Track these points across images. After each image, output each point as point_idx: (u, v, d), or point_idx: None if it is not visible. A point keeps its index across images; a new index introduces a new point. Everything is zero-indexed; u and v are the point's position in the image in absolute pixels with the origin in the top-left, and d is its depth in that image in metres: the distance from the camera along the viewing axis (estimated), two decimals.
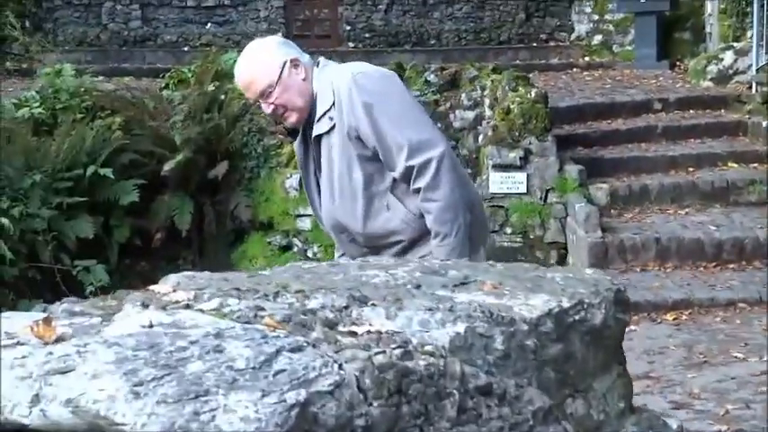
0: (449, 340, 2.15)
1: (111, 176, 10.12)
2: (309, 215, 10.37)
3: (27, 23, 16.45)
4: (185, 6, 17.54)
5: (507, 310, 2.37)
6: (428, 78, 12.96)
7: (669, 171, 10.76)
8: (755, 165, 10.78)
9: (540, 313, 2.41)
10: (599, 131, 11.93)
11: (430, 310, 2.25)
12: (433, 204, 3.71)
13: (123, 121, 10.68)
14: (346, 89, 3.66)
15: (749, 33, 13.83)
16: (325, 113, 3.70)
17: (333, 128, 3.70)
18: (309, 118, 3.76)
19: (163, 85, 11.96)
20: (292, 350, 1.94)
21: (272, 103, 3.69)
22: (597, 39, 16.80)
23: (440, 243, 3.74)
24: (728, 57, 13.53)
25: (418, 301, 2.39)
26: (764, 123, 11.42)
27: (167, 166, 10.26)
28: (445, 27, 17.17)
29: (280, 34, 17.89)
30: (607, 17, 16.78)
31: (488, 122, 10.83)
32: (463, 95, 11.45)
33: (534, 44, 17.13)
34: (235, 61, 11.99)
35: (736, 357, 6.35)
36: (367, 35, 17.20)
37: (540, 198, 10.23)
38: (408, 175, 3.70)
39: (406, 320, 2.21)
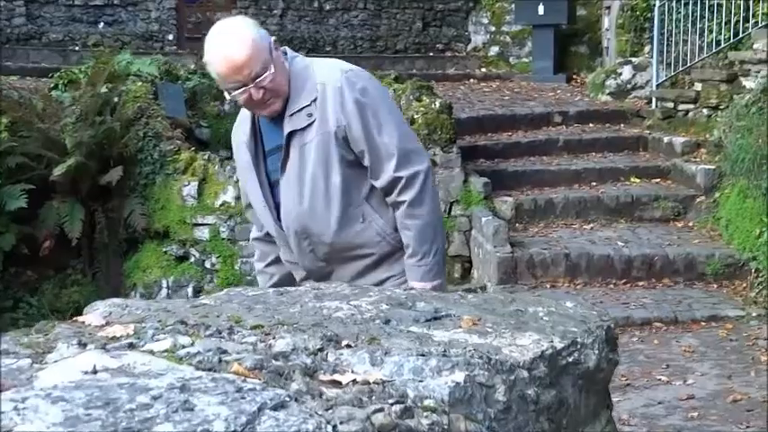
0: (448, 392, 1.87)
1: None
2: (207, 224, 10.01)
3: None
4: (72, 5, 16.89)
5: (496, 351, 2.10)
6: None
7: (573, 185, 10.67)
8: (658, 180, 10.79)
9: (533, 355, 2.15)
10: (500, 143, 11.81)
11: (422, 355, 1.97)
12: (416, 221, 3.51)
13: (10, 123, 10.14)
14: (336, 86, 3.42)
15: (646, 49, 13.92)
16: (302, 108, 3.41)
17: (310, 125, 3.41)
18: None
19: (52, 85, 11.44)
20: (275, 407, 1.64)
21: (264, 86, 3.31)
22: (494, 50, 16.71)
23: (417, 263, 3.53)
24: (627, 71, 13.56)
25: (398, 341, 2.11)
26: (665, 139, 11.45)
27: (57, 171, 9.75)
28: (341, 34, 16.90)
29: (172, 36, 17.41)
30: (504, 29, 16.71)
31: None
32: None
33: (431, 54, 16.95)
34: (128, 63, 11.53)
35: (659, 380, 6.20)
36: None
37: (444, 211, 10.03)
38: (393, 186, 3.49)
39: (395, 367, 1.93)
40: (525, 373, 2.07)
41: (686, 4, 12.51)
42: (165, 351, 1.91)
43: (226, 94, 3.40)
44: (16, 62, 15.37)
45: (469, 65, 16.58)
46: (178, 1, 16.90)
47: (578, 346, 2.28)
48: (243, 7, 16.47)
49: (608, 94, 13.52)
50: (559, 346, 2.24)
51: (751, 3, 11.90)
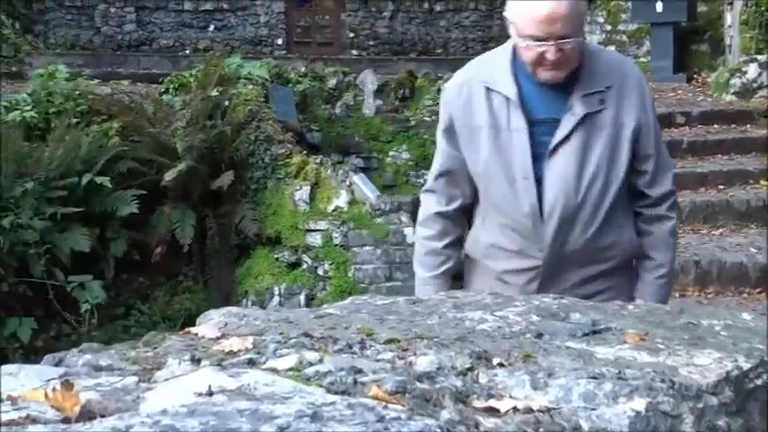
0: (628, 423, 1.55)
1: (109, 185, 9.53)
2: (320, 230, 9.79)
3: (17, 25, 15.80)
4: (182, 10, 16.97)
5: (673, 372, 1.77)
6: (441, 88, 12.41)
7: (699, 188, 10.17)
8: None
9: (717, 377, 1.81)
10: None
11: (594, 378, 1.65)
12: (675, 240, 3.53)
13: (121, 127, 10.10)
14: (638, 79, 3.31)
15: None
16: (596, 92, 3.18)
17: (600, 111, 3.19)
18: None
19: (162, 89, 11.37)
20: None
21: (564, 50, 3.05)
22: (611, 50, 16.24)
23: (667, 282, 3.47)
24: (752, 70, 12.97)
25: (558, 359, 1.80)
26: None
27: (168, 176, 9.66)
28: (452, 36, 16.64)
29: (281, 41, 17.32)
30: (620, 27, 16.24)
31: None
32: None
33: None
34: (239, 66, 11.40)
35: None
36: (371, 43, 16.67)
37: None
38: (665, 200, 3.40)
39: (561, 392, 1.61)
40: (714, 400, 1.73)
41: None
42: (291, 369, 1.64)
43: (518, 40, 3.10)
44: (127, 68, 15.46)
45: None
46: (287, 5, 16.82)
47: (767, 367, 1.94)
48: (352, 9, 16.32)
49: (733, 93, 12.93)
50: (746, 366, 1.89)
51: None
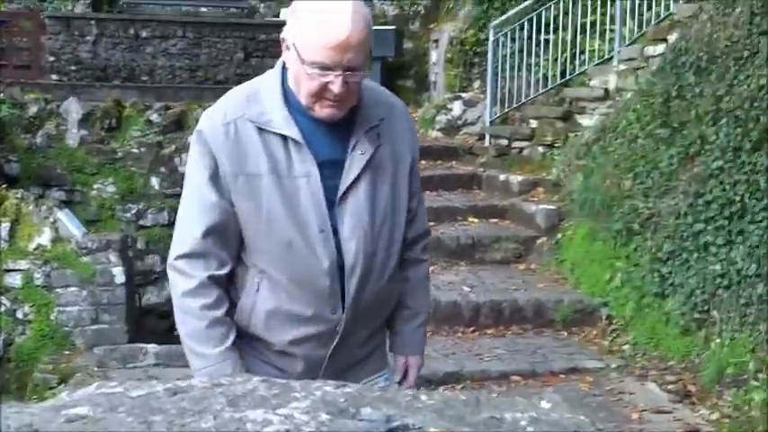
0: None
1: None
2: (20, 270, 9.10)
3: None
4: None
5: None
6: (151, 118, 11.98)
7: None
8: (496, 220, 10.48)
9: None
10: None
11: None
12: (428, 284, 3.30)
13: None
14: (404, 110, 3.06)
15: (476, 84, 13.73)
16: (374, 126, 2.88)
17: (378, 147, 2.87)
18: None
19: None
20: None
21: (349, 83, 2.71)
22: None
23: (420, 328, 3.24)
24: (457, 107, 13.30)
25: None
26: (501, 177, 11.19)
27: None
28: (158, 63, 16.10)
29: None
30: None
31: None
32: (190, 138, 10.54)
33: None
34: None
35: None
36: (73, 68, 15.83)
37: None
38: (421, 240, 3.20)
39: None
40: None
41: (516, 40, 12.37)
42: None
43: (299, 67, 2.72)
44: None
45: None
46: None
47: None
48: (53, 33, 15.50)
49: (438, 129, 13.21)
50: None
51: (580, 39, 11.87)
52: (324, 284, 2.86)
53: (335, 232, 2.86)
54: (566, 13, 12.08)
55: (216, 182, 2.84)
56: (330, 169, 2.84)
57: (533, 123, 11.90)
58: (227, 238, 2.89)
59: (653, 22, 10.90)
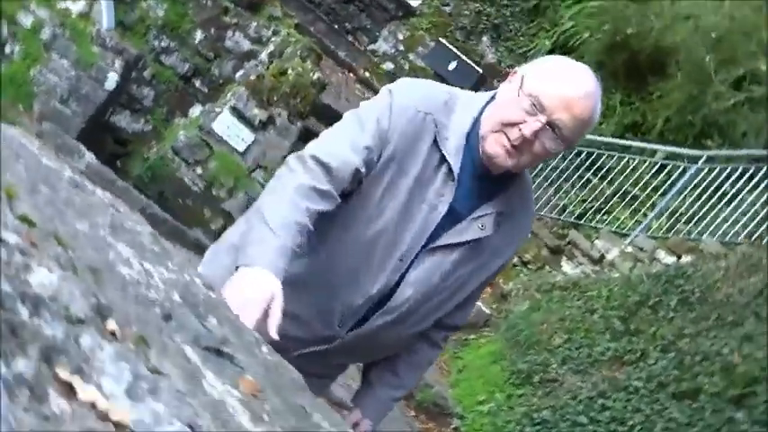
0: None
1: None
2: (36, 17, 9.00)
3: None
4: None
5: None
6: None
7: None
8: None
9: None
10: None
11: None
12: (426, 368, 3.21)
13: None
14: (531, 220, 3.02)
15: None
16: (503, 213, 2.79)
17: (496, 232, 2.77)
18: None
19: None
20: None
21: (544, 140, 2.57)
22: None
23: (396, 399, 3.18)
24: None
25: (174, 369, 1.53)
26: None
27: None
28: None
29: None
30: None
31: None
32: None
33: None
34: None
35: None
36: None
37: None
38: (448, 330, 3.12)
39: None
40: None
41: (565, 160, 12.44)
42: None
43: (516, 94, 2.58)
44: None
45: None
46: None
47: None
48: None
49: None
50: None
51: (614, 200, 11.90)
52: (354, 303, 2.72)
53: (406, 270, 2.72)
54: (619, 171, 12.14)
55: (375, 141, 2.63)
56: (447, 216, 2.70)
57: None
58: (342, 180, 2.61)
59: (680, 234, 10.96)
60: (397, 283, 2.72)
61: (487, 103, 2.70)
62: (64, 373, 1.26)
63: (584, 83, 2.58)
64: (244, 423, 1.54)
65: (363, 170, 2.60)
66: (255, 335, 2.06)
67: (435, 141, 2.65)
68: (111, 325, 1.45)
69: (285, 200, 2.46)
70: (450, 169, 2.65)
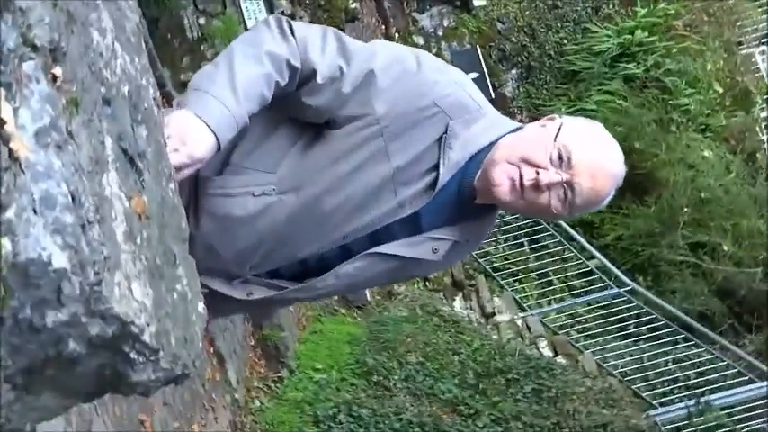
0: None
1: None
2: None
3: None
4: None
5: None
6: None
7: None
8: None
9: None
10: None
11: None
12: None
13: None
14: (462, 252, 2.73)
15: None
16: (459, 243, 2.55)
17: (440, 258, 2.53)
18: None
19: None
20: None
21: (557, 196, 2.38)
22: None
23: None
24: None
25: None
26: None
27: None
28: None
29: None
30: None
31: None
32: None
33: None
34: None
35: None
36: None
37: None
38: None
39: None
40: None
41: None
42: None
43: (551, 139, 2.39)
44: None
45: None
46: None
47: None
48: None
49: None
50: None
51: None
52: (278, 257, 2.48)
53: (340, 255, 2.49)
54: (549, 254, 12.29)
55: (384, 81, 2.35)
56: (405, 221, 2.47)
57: None
58: (312, 90, 2.35)
59: (569, 336, 11.11)
60: (325, 266, 2.49)
61: (511, 131, 2.48)
62: None
63: (618, 165, 2.46)
64: (117, 233, 1.52)
65: (321, 82, 2.32)
66: (171, 170, 2.04)
67: (438, 145, 2.40)
68: (57, 71, 1.43)
69: (258, 60, 2.27)
70: (436, 180, 2.40)
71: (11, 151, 1.23)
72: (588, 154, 2.38)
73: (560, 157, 2.36)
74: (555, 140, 2.38)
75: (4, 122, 1.23)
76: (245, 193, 2.39)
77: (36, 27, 1.36)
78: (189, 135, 2.20)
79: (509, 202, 2.43)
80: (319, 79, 2.32)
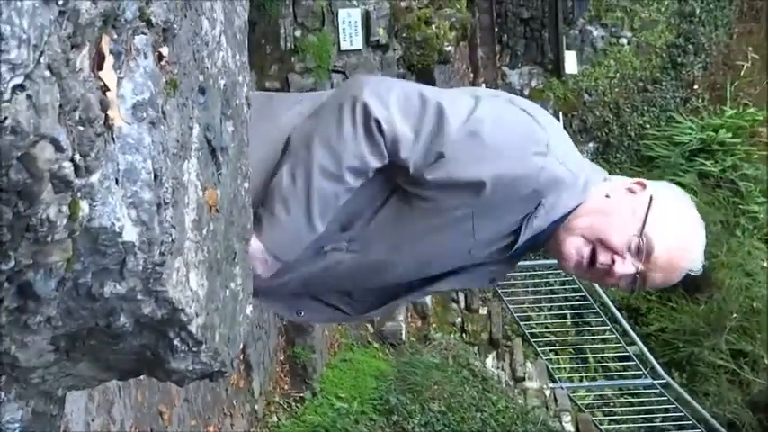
0: None
1: None
2: None
3: None
4: None
5: None
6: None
7: None
8: None
9: None
10: None
11: None
12: None
13: None
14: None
15: None
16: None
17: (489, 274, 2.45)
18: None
19: None
20: None
21: (627, 278, 2.27)
22: None
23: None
24: None
25: None
26: None
27: None
28: None
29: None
30: None
31: None
32: None
33: None
34: None
35: None
36: None
37: None
38: None
39: None
40: None
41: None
42: None
43: (618, 232, 2.26)
44: None
45: None
46: None
47: None
48: None
49: None
50: None
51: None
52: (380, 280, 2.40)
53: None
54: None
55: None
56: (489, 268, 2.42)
57: None
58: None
59: (594, 416, 10.99)
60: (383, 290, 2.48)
61: (596, 187, 2.32)
62: (105, 45, 1.26)
63: (697, 258, 2.35)
64: (187, 220, 1.53)
65: (415, 174, 2.16)
66: (249, 170, 2.05)
67: (525, 216, 2.25)
68: (164, 51, 1.45)
69: (338, 179, 2.14)
70: (513, 243, 2.30)
71: (107, 118, 1.24)
72: (671, 252, 2.28)
73: (641, 249, 2.25)
74: (641, 231, 2.26)
75: (107, 89, 1.24)
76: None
77: (154, 4, 1.37)
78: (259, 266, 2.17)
79: (573, 273, 2.40)
80: (412, 170, 2.15)
